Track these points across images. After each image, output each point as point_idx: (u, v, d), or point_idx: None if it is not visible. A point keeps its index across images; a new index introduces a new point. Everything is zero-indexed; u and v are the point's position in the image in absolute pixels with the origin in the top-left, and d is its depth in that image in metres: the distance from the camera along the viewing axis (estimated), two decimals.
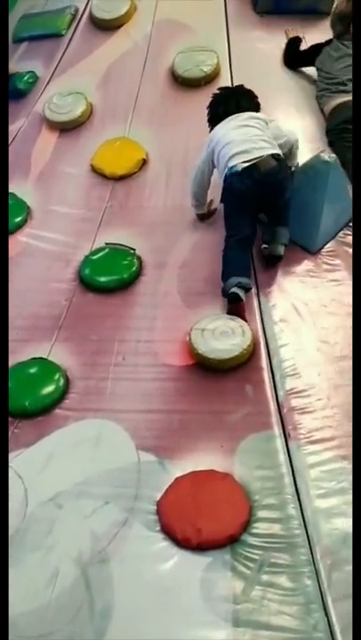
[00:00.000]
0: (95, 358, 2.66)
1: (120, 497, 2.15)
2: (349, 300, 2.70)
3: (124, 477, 2.22)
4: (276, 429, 2.31)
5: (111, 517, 2.08)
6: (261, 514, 2.10)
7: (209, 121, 3.05)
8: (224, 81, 3.64)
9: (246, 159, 2.74)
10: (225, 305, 2.74)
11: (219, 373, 2.52)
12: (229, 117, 2.91)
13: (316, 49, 3.53)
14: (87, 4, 4.16)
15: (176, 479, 2.14)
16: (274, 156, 2.76)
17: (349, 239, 3.02)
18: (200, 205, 3.09)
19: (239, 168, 2.73)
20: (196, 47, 3.75)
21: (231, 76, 3.64)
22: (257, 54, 3.79)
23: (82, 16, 4.13)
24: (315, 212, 2.96)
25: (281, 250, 2.86)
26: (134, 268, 2.97)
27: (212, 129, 2.99)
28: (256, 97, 3.05)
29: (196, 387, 2.50)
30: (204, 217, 3.12)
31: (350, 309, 2.66)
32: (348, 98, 3.12)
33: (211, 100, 3.08)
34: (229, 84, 3.60)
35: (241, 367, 2.53)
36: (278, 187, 2.78)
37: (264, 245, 2.91)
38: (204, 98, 3.57)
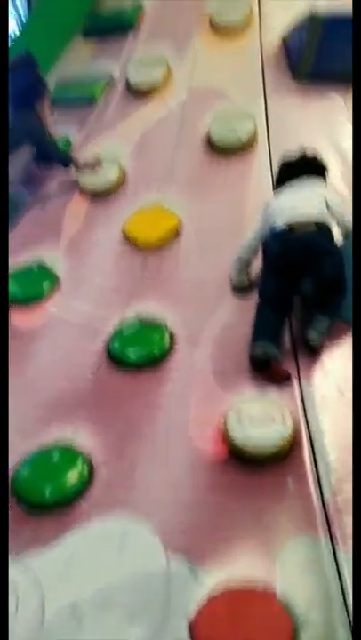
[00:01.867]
0: (122, 441, 2.47)
1: (147, 610, 1.92)
2: None
3: (152, 586, 1.99)
4: (322, 533, 2.07)
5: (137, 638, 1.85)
6: (306, 635, 1.85)
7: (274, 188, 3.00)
8: (261, 148, 3.56)
9: (287, 221, 2.66)
10: (264, 384, 2.55)
11: (256, 464, 2.30)
12: (290, 183, 2.86)
13: None
14: (123, 71, 4.16)
15: (210, 599, 1.90)
16: (318, 223, 2.64)
17: None
18: (241, 271, 2.93)
19: (277, 229, 2.67)
20: (232, 113, 3.69)
21: (268, 144, 3.55)
22: (295, 122, 3.71)
23: (117, 83, 4.13)
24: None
25: (315, 337, 2.60)
26: (165, 343, 2.81)
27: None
28: (324, 165, 2.95)
29: (231, 479, 2.28)
30: (242, 288, 2.95)
31: None
32: None
33: (278, 166, 3.01)
34: (267, 152, 3.53)
35: (281, 459, 2.31)
36: (313, 255, 2.62)
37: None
38: (240, 165, 3.53)
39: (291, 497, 2.20)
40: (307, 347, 2.61)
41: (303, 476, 2.25)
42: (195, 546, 2.09)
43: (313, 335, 2.60)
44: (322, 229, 2.65)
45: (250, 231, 2.93)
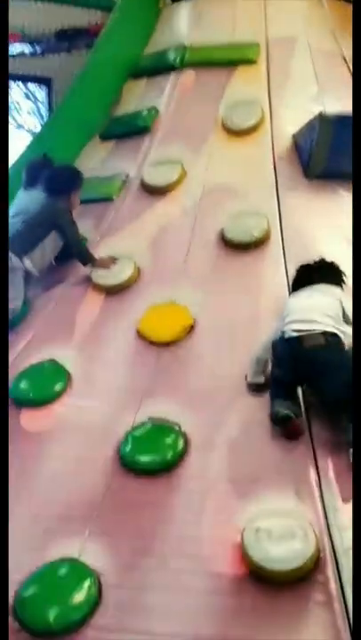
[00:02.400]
0: (133, 560, 2.31)
1: None
2: None
3: None
4: None
5: None
6: None
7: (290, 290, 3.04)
8: (274, 245, 3.57)
9: (297, 328, 2.66)
10: (283, 493, 2.41)
11: (277, 587, 2.13)
12: (307, 287, 2.87)
13: None
14: (139, 171, 4.26)
15: None
16: (327, 333, 2.59)
17: None
18: (259, 373, 2.87)
19: (286, 335, 2.67)
20: (245, 211, 3.72)
21: (282, 241, 3.55)
22: (308, 219, 3.73)
23: (133, 182, 4.22)
24: None
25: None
26: (179, 448, 2.69)
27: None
28: (341, 272, 2.94)
29: (251, 605, 2.10)
30: (259, 387, 2.87)
31: None
32: None
33: (296, 270, 3.04)
34: (280, 249, 3.53)
35: (305, 579, 2.13)
36: (319, 367, 2.59)
37: None
38: (253, 262, 3.52)
39: (317, 627, 2.02)
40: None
41: (329, 600, 2.07)
42: None
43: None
44: (330, 342, 2.61)
45: (269, 331, 2.88)
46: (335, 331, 2.62)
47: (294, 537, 2.22)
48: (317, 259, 3.01)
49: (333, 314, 2.67)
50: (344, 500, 2.35)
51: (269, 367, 2.82)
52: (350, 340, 2.71)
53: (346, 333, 2.67)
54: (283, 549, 2.18)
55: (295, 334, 2.64)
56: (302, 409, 2.66)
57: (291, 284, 3.04)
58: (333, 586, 2.11)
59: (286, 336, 2.66)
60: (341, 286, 2.89)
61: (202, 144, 4.25)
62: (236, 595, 2.14)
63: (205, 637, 2.03)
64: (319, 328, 2.62)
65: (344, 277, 2.92)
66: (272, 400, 2.67)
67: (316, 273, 2.91)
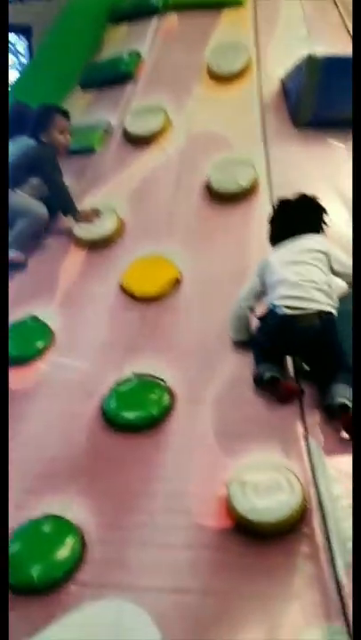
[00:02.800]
0: (118, 517, 2.27)
1: None
2: None
3: None
4: (340, 622, 1.85)
5: None
6: None
7: (270, 240, 2.84)
8: (262, 195, 3.45)
9: (291, 305, 2.52)
10: (270, 447, 2.37)
11: (263, 540, 2.10)
12: (288, 242, 2.71)
13: None
14: (121, 120, 4.10)
15: None
16: (322, 313, 2.50)
17: None
18: (240, 329, 2.80)
19: (280, 312, 2.54)
20: (232, 160, 3.59)
21: (270, 190, 3.44)
22: (296, 166, 3.61)
23: (115, 132, 4.07)
24: None
25: (338, 399, 2.38)
26: (165, 403, 2.63)
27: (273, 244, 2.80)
28: (322, 209, 2.82)
29: (235, 558, 2.07)
30: (244, 342, 2.81)
31: None
32: None
33: (270, 215, 2.87)
34: (268, 199, 3.41)
35: (291, 531, 2.10)
36: (313, 347, 2.53)
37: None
38: (241, 213, 3.41)
39: (302, 579, 1.99)
40: (331, 412, 2.40)
41: (315, 553, 2.04)
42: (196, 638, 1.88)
43: (338, 401, 2.38)
44: (325, 321, 2.51)
45: (244, 288, 2.80)
46: (330, 309, 2.53)
47: (281, 489, 2.18)
48: (297, 195, 2.84)
49: (326, 286, 2.56)
50: (330, 454, 2.31)
51: (253, 325, 2.76)
52: (341, 291, 2.65)
53: (335, 286, 2.59)
54: (269, 501, 2.14)
55: (289, 312, 2.51)
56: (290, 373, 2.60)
57: (268, 221, 2.86)
58: (320, 538, 2.08)
59: (280, 312, 2.53)
60: (323, 229, 2.78)
61: (187, 91, 4.09)
62: (221, 548, 2.11)
63: (187, 589, 2.00)
64: (314, 307, 2.51)
65: (325, 217, 2.80)
66: (256, 363, 2.60)
67: (297, 214, 2.77)
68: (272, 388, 2.50)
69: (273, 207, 2.92)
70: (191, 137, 3.86)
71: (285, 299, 2.55)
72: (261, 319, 2.69)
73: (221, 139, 3.82)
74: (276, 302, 2.56)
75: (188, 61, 4.25)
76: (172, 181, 3.63)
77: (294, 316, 2.51)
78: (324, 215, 2.81)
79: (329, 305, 2.54)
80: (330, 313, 2.53)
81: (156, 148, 3.86)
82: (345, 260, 2.64)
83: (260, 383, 2.53)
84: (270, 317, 2.60)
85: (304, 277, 2.57)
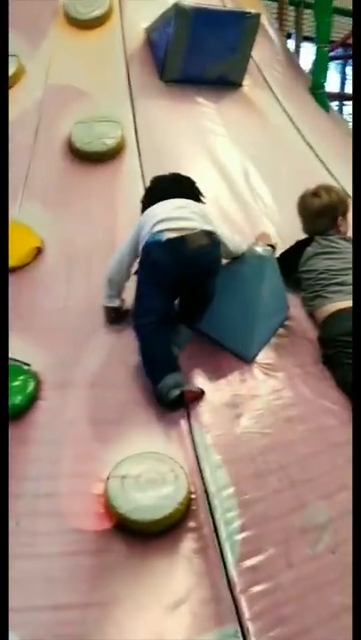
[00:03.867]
0: None
1: None
2: (289, 414, 2.28)
3: None
4: (232, 624, 1.72)
5: None
6: None
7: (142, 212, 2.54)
8: (130, 155, 3.18)
9: (173, 227, 2.29)
10: (150, 435, 2.17)
11: (147, 539, 1.91)
12: (158, 204, 2.45)
13: (296, 252, 2.73)
14: None
15: None
16: (206, 232, 2.31)
17: (285, 341, 2.58)
18: (113, 297, 2.54)
19: (163, 238, 2.27)
20: (96, 117, 3.26)
21: (138, 150, 3.17)
22: (165, 125, 3.36)
23: None
24: (249, 313, 2.49)
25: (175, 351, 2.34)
26: (29, 390, 2.33)
27: None
28: (198, 189, 2.60)
29: (117, 563, 1.87)
30: (115, 317, 2.56)
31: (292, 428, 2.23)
32: (349, 303, 2.41)
33: (145, 190, 2.64)
34: (137, 160, 3.15)
35: (176, 528, 1.94)
36: (206, 271, 2.35)
37: None
38: (108, 174, 3.12)
39: (191, 579, 1.84)
40: None
41: (204, 548, 1.90)
42: None
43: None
44: (213, 240, 2.35)
45: (118, 249, 2.54)
46: (211, 229, 2.35)
47: (164, 481, 2.00)
48: (171, 173, 2.64)
49: (203, 214, 2.39)
50: (215, 437, 2.17)
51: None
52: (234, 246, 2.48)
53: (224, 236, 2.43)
54: (152, 496, 1.96)
55: (175, 234, 2.26)
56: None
57: (141, 200, 2.60)
58: (207, 530, 1.94)
59: (162, 239, 2.26)
60: (201, 200, 2.57)
61: (41, 36, 3.65)
62: (103, 552, 1.90)
63: (65, 605, 1.77)
64: (198, 226, 2.31)
65: (202, 197, 2.59)
66: (159, 374, 2.23)
67: (172, 188, 2.54)
68: (179, 404, 2.21)
69: (146, 187, 2.67)
70: (49, 88, 3.46)
71: (162, 223, 2.31)
72: (141, 263, 2.39)
73: (83, 92, 3.45)
74: (154, 230, 2.30)
75: (41, 3, 3.79)
76: (28, 138, 3.22)
77: (183, 237, 2.26)
78: (201, 196, 2.60)
79: (211, 226, 2.37)
80: (216, 236, 2.35)
81: (9, 97, 3.41)
82: (227, 234, 2.48)
83: (165, 401, 2.21)
84: (154, 249, 2.29)
85: (179, 204, 2.40)
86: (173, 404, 2.20)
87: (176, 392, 2.18)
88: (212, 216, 2.50)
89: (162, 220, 2.33)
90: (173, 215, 2.35)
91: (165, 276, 2.32)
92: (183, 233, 2.29)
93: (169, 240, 2.27)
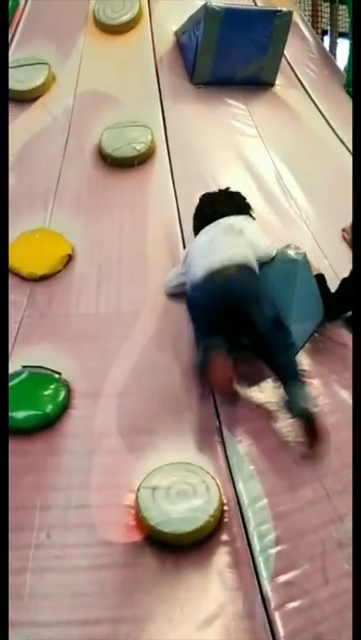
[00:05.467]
0: (10, 537, 1.95)
1: None
2: (325, 423, 2.18)
3: None
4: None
5: None
6: None
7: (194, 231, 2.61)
8: (160, 160, 3.15)
9: (206, 267, 2.31)
10: (181, 445, 2.13)
11: (178, 552, 1.87)
12: (207, 227, 2.50)
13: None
14: None
15: None
16: (239, 265, 2.29)
17: (320, 347, 2.51)
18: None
19: (198, 279, 2.31)
20: (126, 122, 3.24)
21: (169, 155, 3.14)
22: (196, 129, 3.33)
23: None
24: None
25: (308, 404, 2.13)
26: (60, 400, 2.31)
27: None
28: (243, 199, 2.63)
29: (148, 576, 1.83)
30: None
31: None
32: None
33: (195, 209, 2.65)
34: (167, 164, 3.12)
35: (208, 541, 1.89)
36: (239, 297, 2.28)
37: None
38: (138, 180, 3.09)
39: (224, 594, 1.79)
40: (303, 416, 2.13)
41: (237, 562, 1.85)
42: None
43: (303, 404, 2.13)
44: (244, 271, 2.32)
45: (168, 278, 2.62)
46: (247, 262, 2.33)
47: (195, 493, 1.96)
48: (221, 190, 2.67)
49: (239, 245, 2.37)
50: (247, 447, 2.11)
51: None
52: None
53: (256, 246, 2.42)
54: (183, 508, 1.92)
55: (207, 272, 2.30)
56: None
57: (193, 217, 2.64)
58: (240, 544, 1.89)
59: (198, 280, 2.31)
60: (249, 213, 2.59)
61: (71, 42, 3.64)
62: (133, 565, 1.86)
63: (94, 620, 1.74)
64: (230, 263, 2.30)
65: (252, 212, 2.62)
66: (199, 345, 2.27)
67: (222, 205, 2.57)
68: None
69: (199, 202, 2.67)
70: (79, 95, 3.46)
71: (199, 266, 2.35)
72: (188, 303, 2.43)
73: (113, 98, 3.44)
74: (191, 274, 2.37)
75: (71, 8, 3.79)
76: (58, 145, 3.22)
77: (212, 272, 2.29)
78: (251, 210, 2.63)
79: (246, 260, 2.34)
80: (248, 265, 2.33)
81: (38, 106, 3.42)
82: (261, 241, 2.45)
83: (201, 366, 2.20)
84: (191, 294, 2.38)
85: (216, 241, 2.41)
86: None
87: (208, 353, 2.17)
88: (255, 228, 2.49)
89: (197, 264, 2.36)
90: (206, 255, 2.36)
91: (205, 313, 2.33)
92: (214, 268, 2.29)
93: (202, 279, 2.31)
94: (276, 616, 1.71)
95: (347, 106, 3.81)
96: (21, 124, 3.39)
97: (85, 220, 2.93)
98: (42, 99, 3.42)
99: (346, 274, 2.60)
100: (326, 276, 2.63)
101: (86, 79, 3.53)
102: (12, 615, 1.74)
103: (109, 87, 3.49)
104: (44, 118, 3.36)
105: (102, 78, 3.52)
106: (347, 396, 2.32)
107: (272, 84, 3.58)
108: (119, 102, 3.40)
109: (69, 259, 2.81)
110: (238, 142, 3.32)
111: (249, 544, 1.88)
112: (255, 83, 3.53)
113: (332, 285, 2.63)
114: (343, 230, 2.64)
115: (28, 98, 3.45)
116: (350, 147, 3.45)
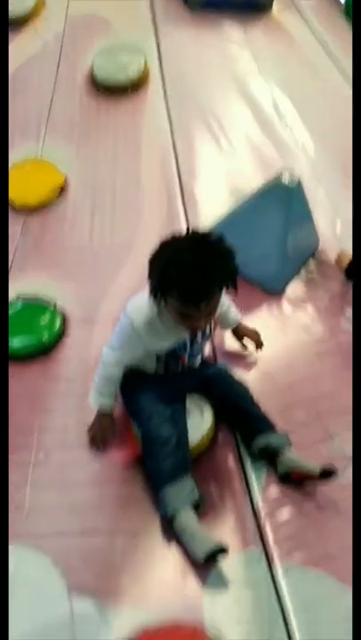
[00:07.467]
0: (9, 456, 2.00)
1: None
2: (319, 349, 2.25)
3: (53, 634, 1.59)
4: (255, 547, 1.74)
5: None
6: None
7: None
8: (154, 87, 3.08)
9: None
10: None
11: None
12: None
13: None
14: None
15: None
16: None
17: (315, 275, 2.52)
18: (106, 395, 1.99)
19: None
20: (118, 47, 3.16)
21: (163, 81, 3.07)
22: (190, 55, 3.25)
23: None
24: (276, 245, 2.42)
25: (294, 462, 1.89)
26: (56, 328, 2.34)
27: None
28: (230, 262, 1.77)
29: (145, 492, 1.88)
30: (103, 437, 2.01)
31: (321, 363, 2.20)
32: None
33: (152, 258, 1.78)
34: (161, 92, 3.06)
35: (202, 458, 1.94)
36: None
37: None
38: (131, 107, 3.04)
39: (216, 507, 1.84)
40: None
41: (229, 476, 1.90)
42: (104, 584, 1.69)
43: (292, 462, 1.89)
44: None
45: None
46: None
47: (190, 414, 2.00)
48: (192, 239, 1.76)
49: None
50: (240, 372, 2.15)
51: None
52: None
53: None
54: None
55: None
56: None
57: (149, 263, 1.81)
58: (234, 461, 1.94)
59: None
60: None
61: None
62: (129, 481, 1.90)
63: (92, 531, 1.80)
64: None
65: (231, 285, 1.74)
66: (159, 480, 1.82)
67: (192, 270, 1.68)
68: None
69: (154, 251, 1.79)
70: (70, 20, 3.35)
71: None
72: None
73: (105, 22, 3.34)
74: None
75: None
76: (50, 71, 3.16)
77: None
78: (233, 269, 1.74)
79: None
80: None
81: (29, 31, 3.32)
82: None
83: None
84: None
85: None
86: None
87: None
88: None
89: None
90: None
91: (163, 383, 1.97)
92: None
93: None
94: (267, 524, 1.78)
95: (346, 31, 3.71)
96: (13, 51, 3.29)
97: (79, 149, 2.89)
98: (31, 23, 3.32)
99: (341, 203, 2.59)
100: (321, 206, 2.61)
101: (77, 2, 3.42)
102: (11, 527, 1.82)
103: (101, 11, 3.39)
104: (34, 44, 3.27)
105: (94, 2, 3.41)
106: (339, 321, 2.35)
107: (269, 8, 3.46)
108: (111, 26, 3.31)
109: (63, 188, 2.79)
110: (234, 69, 3.25)
111: (240, 459, 1.93)
112: (252, 6, 3.42)
113: (327, 218, 2.63)
114: (337, 255, 2.52)
115: (17, 23, 3.35)
116: (349, 73, 3.37)
